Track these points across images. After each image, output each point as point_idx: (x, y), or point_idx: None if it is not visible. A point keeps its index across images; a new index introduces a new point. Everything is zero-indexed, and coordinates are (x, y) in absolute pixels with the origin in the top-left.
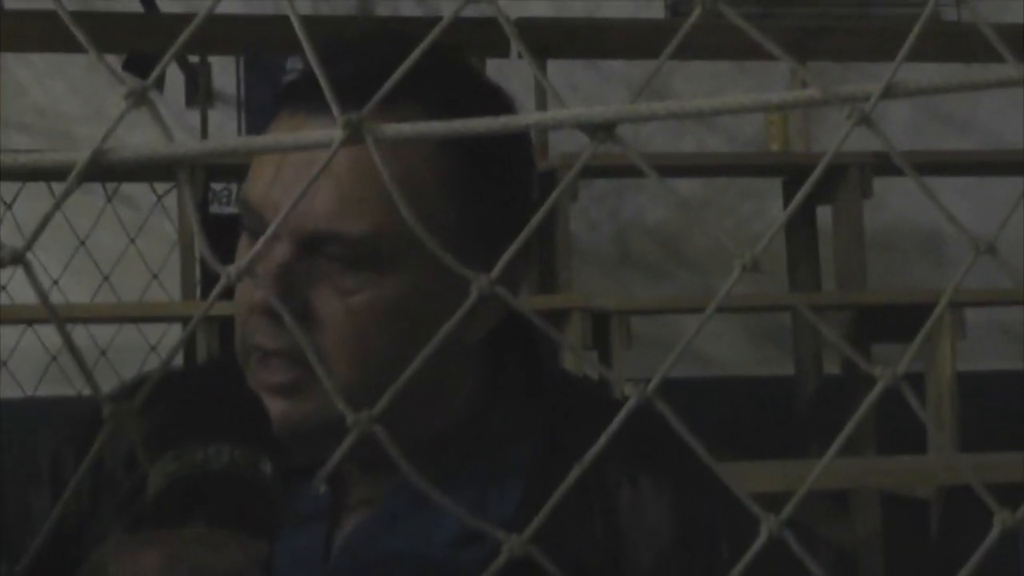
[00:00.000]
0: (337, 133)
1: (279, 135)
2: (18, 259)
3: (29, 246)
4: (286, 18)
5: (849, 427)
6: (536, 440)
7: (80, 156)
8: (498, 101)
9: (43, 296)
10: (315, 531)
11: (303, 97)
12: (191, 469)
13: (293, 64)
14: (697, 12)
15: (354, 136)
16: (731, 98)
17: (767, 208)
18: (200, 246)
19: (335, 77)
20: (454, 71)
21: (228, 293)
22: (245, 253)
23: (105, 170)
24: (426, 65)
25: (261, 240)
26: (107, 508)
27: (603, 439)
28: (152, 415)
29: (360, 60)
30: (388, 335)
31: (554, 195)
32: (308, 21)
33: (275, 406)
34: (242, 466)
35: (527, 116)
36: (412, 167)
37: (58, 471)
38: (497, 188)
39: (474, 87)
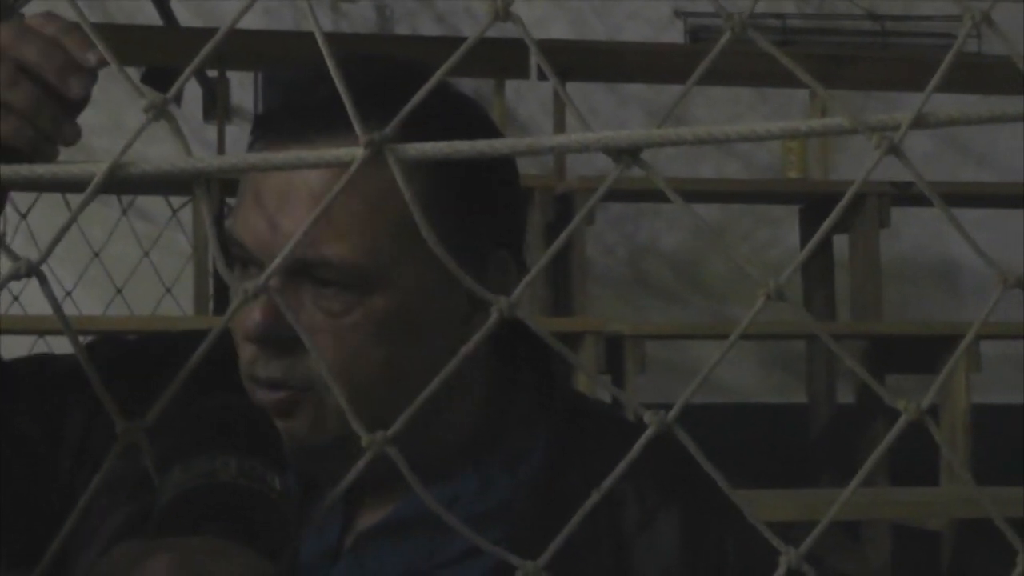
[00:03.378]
0: (358, 151)
1: (299, 152)
2: (33, 271)
3: (44, 259)
4: (305, 34)
5: (872, 460)
6: (545, 454)
7: (98, 168)
8: (487, 126)
9: (57, 307)
10: (327, 535)
11: (276, 127)
12: (198, 481)
13: None
14: (727, 37)
15: (376, 155)
16: (759, 125)
17: (783, 236)
18: (218, 263)
19: (323, 97)
20: (446, 96)
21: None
22: (236, 284)
23: (121, 182)
24: (415, 87)
25: (271, 267)
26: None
27: (621, 466)
28: (165, 427)
29: (364, 79)
30: (380, 351)
31: (577, 217)
32: (328, 38)
33: (278, 425)
34: (250, 479)
35: (553, 138)
36: (388, 188)
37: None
38: (482, 194)
39: (460, 106)
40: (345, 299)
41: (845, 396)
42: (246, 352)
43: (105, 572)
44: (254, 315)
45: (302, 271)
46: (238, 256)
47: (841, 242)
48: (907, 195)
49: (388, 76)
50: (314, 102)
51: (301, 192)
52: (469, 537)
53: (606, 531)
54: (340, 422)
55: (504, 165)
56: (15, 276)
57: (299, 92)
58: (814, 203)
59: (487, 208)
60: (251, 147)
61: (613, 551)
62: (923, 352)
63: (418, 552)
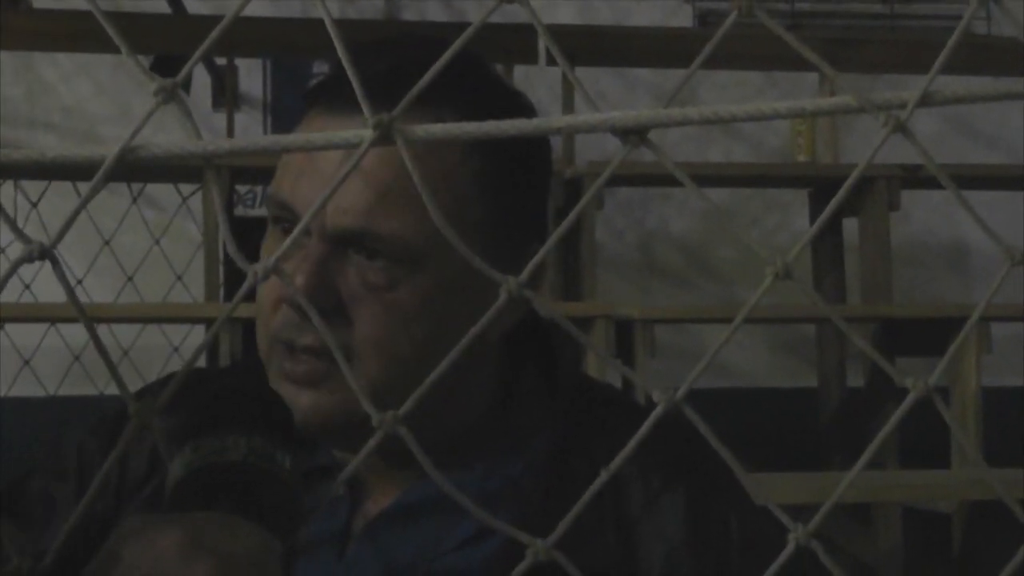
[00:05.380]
0: (367, 133)
1: (309, 134)
2: (46, 254)
3: (57, 241)
4: (313, 21)
5: (880, 437)
6: (551, 438)
7: (109, 152)
8: (524, 106)
9: (70, 291)
10: (335, 520)
11: (332, 97)
12: (208, 459)
13: (320, 68)
14: (733, 16)
15: (384, 137)
16: (765, 104)
17: (792, 220)
18: (228, 244)
19: (365, 77)
20: (483, 76)
21: (253, 294)
22: (272, 250)
23: (131, 170)
24: (457, 69)
25: (292, 235)
26: (131, 506)
27: (630, 445)
28: (175, 412)
29: (390, 61)
30: (417, 331)
31: (585, 197)
32: (335, 25)
33: (302, 398)
34: (259, 458)
35: (560, 119)
36: (444, 166)
37: (83, 462)
38: (524, 188)
39: (502, 92)
40: (390, 274)
41: (855, 380)
42: (277, 320)
43: (116, 546)
44: (297, 279)
45: (351, 241)
46: (279, 219)
47: (851, 225)
48: (917, 178)
49: (436, 56)
50: (382, 67)
51: (362, 167)
52: (480, 517)
53: (611, 513)
54: (371, 399)
55: (544, 158)
56: (28, 259)
57: (366, 58)
58: (823, 187)
59: (529, 197)
60: (306, 113)
61: (618, 533)
62: (933, 334)
63: (426, 536)
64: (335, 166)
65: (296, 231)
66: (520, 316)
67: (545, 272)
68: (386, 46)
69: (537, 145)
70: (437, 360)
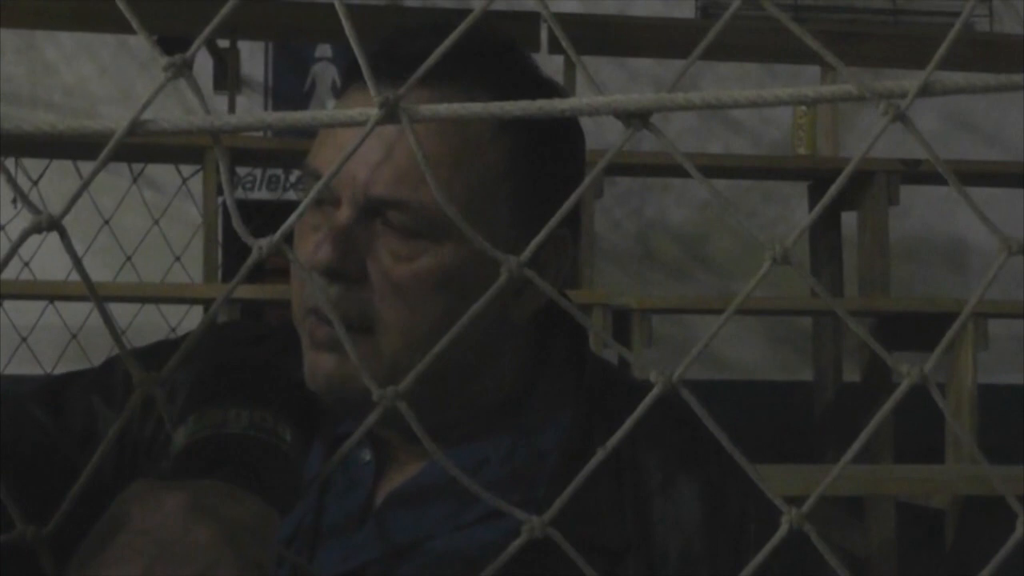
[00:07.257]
0: (373, 111)
1: (316, 111)
2: (54, 225)
3: (66, 212)
4: (317, 5)
5: (874, 423)
6: (572, 422)
7: (118, 126)
8: (555, 94)
9: (77, 262)
10: (358, 493)
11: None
12: (211, 431)
13: (322, 52)
14: (737, 3)
15: (390, 115)
16: (766, 91)
17: (791, 213)
18: (232, 216)
19: (397, 59)
20: (513, 60)
21: (254, 272)
22: (306, 221)
23: (132, 150)
24: (486, 52)
25: (304, 202)
26: (148, 461)
27: (627, 424)
28: (181, 379)
29: (420, 45)
30: (439, 303)
31: (588, 178)
32: (344, 7)
33: (325, 362)
34: (261, 430)
35: (564, 101)
36: (474, 141)
37: (130, 390)
38: (554, 172)
39: (532, 76)
40: (415, 245)
41: (851, 374)
42: (308, 288)
43: (121, 508)
44: (325, 247)
45: (377, 211)
46: (310, 191)
47: (850, 219)
48: (917, 173)
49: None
50: (413, 50)
51: (390, 138)
52: (489, 500)
53: (631, 499)
54: (391, 369)
55: (576, 144)
56: (36, 229)
57: (398, 41)
58: (823, 180)
59: (558, 181)
60: (342, 92)
61: (637, 518)
62: (930, 329)
63: (443, 513)
64: (368, 138)
65: (308, 198)
66: (544, 298)
67: (567, 254)
68: (416, 31)
69: (569, 130)
70: (456, 337)
